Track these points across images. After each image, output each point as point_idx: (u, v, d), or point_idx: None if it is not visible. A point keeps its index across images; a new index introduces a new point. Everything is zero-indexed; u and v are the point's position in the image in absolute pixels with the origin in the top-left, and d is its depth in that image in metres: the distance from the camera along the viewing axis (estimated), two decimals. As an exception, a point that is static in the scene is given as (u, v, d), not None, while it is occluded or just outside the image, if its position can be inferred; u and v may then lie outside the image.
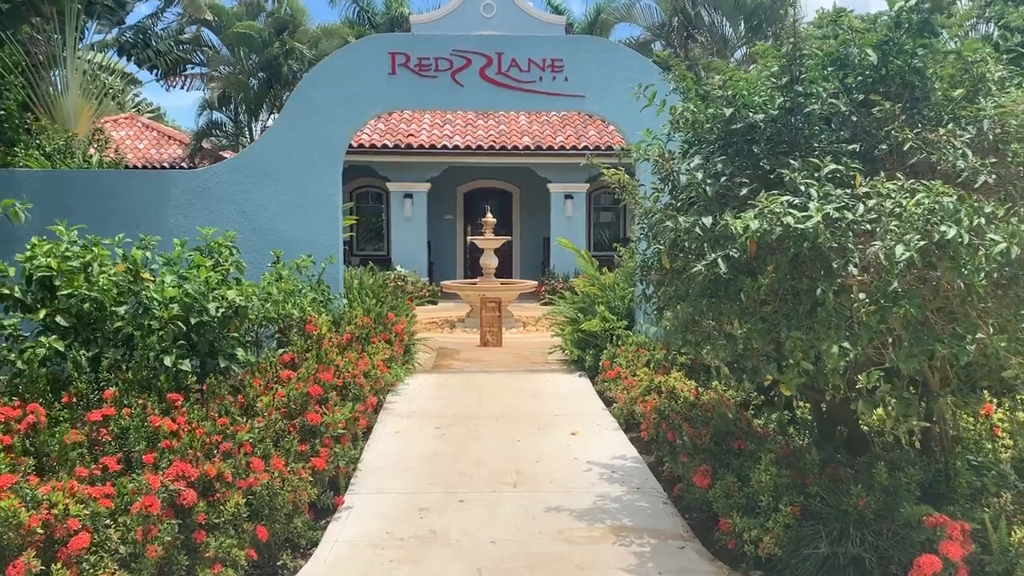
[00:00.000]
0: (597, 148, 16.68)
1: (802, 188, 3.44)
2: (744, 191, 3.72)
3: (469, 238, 13.16)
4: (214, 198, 8.52)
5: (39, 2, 17.01)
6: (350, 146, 16.74)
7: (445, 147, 16.63)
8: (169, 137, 22.94)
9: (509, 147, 16.67)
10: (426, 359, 9.44)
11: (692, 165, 3.91)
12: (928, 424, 3.97)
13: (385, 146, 16.58)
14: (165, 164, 20.19)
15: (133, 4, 20.35)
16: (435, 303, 16.25)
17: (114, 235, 6.19)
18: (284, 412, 4.85)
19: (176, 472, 3.80)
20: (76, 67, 18.14)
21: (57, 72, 17.80)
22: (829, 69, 3.96)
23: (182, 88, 21.31)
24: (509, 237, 13.57)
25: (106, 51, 19.47)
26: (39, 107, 18.01)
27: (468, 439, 6.15)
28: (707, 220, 3.69)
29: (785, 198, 3.43)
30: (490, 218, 12.96)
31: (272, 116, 21.25)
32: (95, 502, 3.50)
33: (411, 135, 17.04)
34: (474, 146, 16.63)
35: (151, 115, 33.27)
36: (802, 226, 3.26)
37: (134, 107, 32.41)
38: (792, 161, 3.62)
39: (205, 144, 20.44)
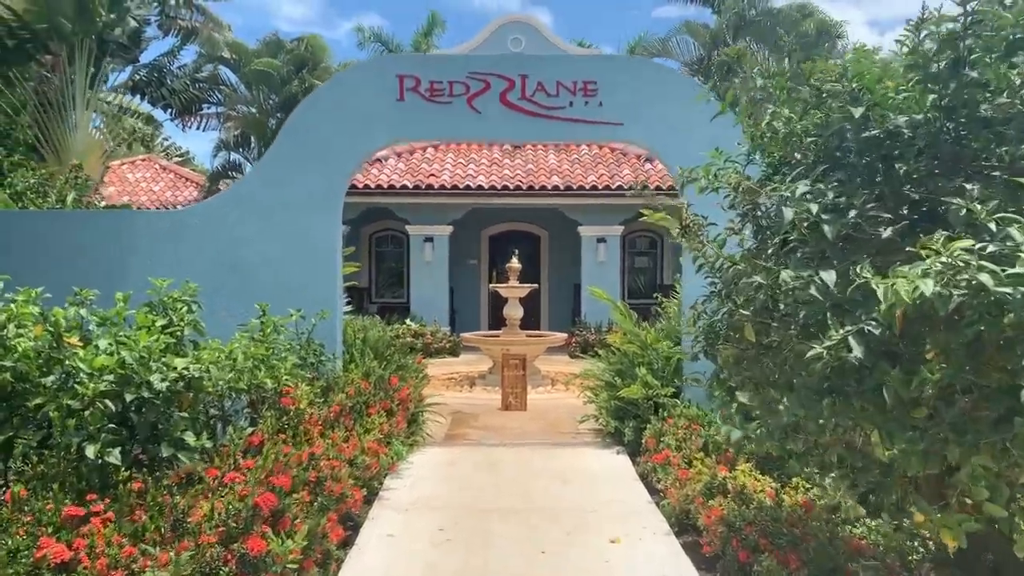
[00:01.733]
0: (632, 188, 15.45)
1: (992, 227, 2.14)
2: (887, 231, 2.43)
3: (491, 286, 11.93)
4: (191, 242, 7.40)
5: (47, 39, 16.43)
6: (367, 187, 15.76)
7: (468, 187, 15.53)
8: (186, 179, 22.22)
9: (537, 187, 15.52)
10: (437, 429, 8.14)
11: (798, 193, 2.63)
12: None
13: (405, 187, 15.53)
14: (180, 207, 19.36)
15: (148, 42, 19.81)
16: (456, 355, 15.00)
17: (68, 287, 5.07)
18: (222, 532, 3.58)
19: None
20: (89, 106, 17.52)
21: (68, 112, 17.15)
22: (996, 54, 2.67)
23: (198, 128, 20.60)
24: (535, 285, 12.31)
25: (127, 93, 18.89)
26: (47, 147, 17.37)
27: (479, 546, 4.81)
28: (829, 276, 2.40)
29: (963, 244, 2.13)
30: (514, 264, 11.74)
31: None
32: None
33: (432, 175, 15.99)
34: (499, 186, 15.51)
35: (179, 158, 32.88)
36: (1008, 289, 1.96)
37: (163, 151, 32.05)
38: (966, 185, 2.34)
39: (220, 186, 19.60)
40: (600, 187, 15.51)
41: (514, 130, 7.62)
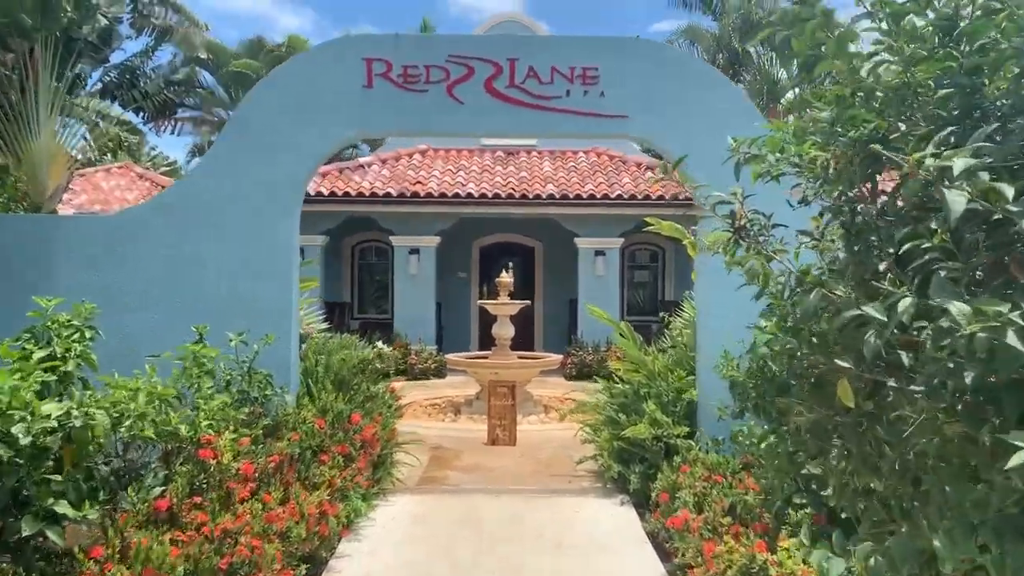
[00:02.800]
0: (633, 197, 14.40)
1: None
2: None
3: (479, 302, 10.82)
4: (128, 250, 6.27)
5: (6, 35, 15.37)
6: (348, 195, 14.67)
7: (457, 195, 14.43)
8: (163, 187, 21.09)
9: (531, 196, 14.44)
10: (411, 471, 6.99)
11: (958, 168, 1.52)
12: None
13: (389, 195, 14.42)
14: (151, 215, 18.24)
15: (121, 41, 18.75)
16: (442, 377, 13.86)
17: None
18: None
19: None
20: (54, 110, 16.43)
21: (30, 115, 16.05)
22: None
23: (172, 132, 19.56)
24: (527, 302, 11.20)
25: (96, 96, 17.79)
26: (7, 153, 16.26)
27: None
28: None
29: None
30: (505, 278, 10.63)
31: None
32: None
33: (419, 182, 14.89)
34: (490, 194, 14.42)
35: (166, 167, 31.71)
36: None
37: (150, 160, 30.92)
38: None
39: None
40: (599, 196, 14.43)
41: (501, 122, 6.53)
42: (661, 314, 12.80)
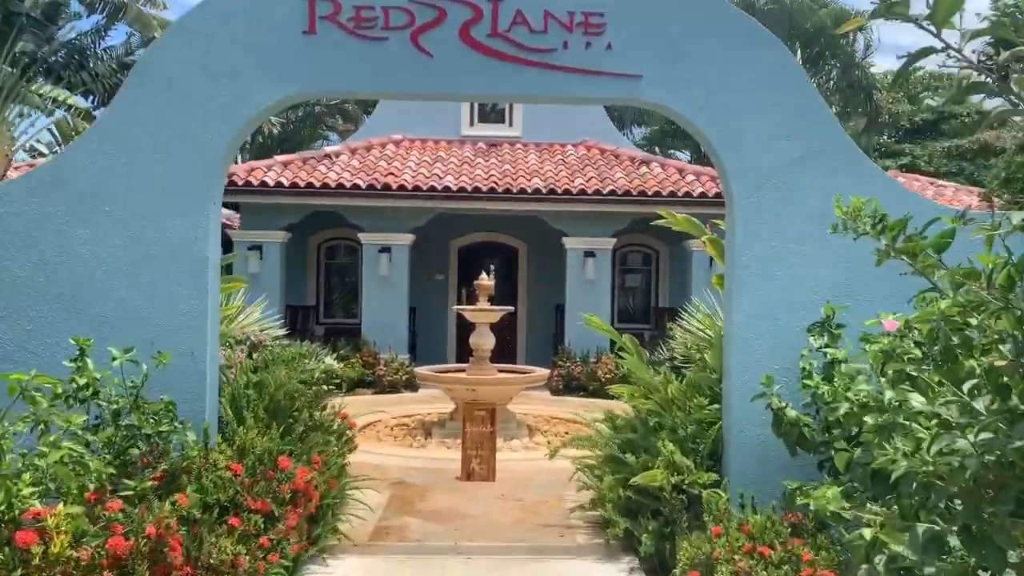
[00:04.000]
0: (627, 193, 13.07)
1: None
2: None
3: (455, 307, 9.43)
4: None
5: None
6: (311, 186, 13.23)
7: (433, 189, 13.04)
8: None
9: (515, 191, 13.06)
10: (363, 520, 5.58)
11: None
12: None
13: (357, 187, 13.00)
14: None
15: (70, 19, 17.21)
16: (415, 390, 12.45)
17: None
18: None
19: None
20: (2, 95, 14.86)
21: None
22: None
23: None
24: (510, 308, 9.83)
25: (37, 77, 16.21)
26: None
27: None
28: None
29: None
30: (485, 280, 9.25)
31: (237, 157, 17.83)
32: None
33: (391, 174, 13.48)
34: (470, 188, 13.04)
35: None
36: None
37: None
38: None
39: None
40: (589, 191, 13.08)
41: (479, 81, 5.13)
42: (670, 324, 11.49)
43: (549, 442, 8.76)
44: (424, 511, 6.00)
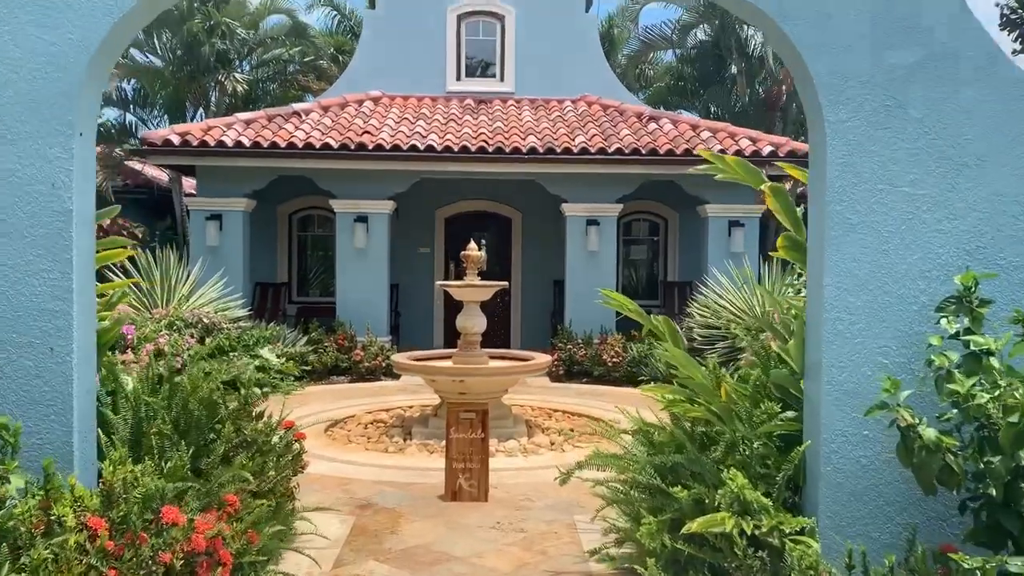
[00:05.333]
0: (636, 152, 11.54)
1: None
2: None
3: (440, 283, 7.92)
4: None
5: None
6: (275, 146, 11.64)
7: (415, 149, 11.47)
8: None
9: (508, 150, 11.51)
10: (313, 562, 4.11)
11: None
12: None
13: (328, 146, 11.42)
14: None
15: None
16: (397, 377, 10.96)
17: None
18: None
19: None
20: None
21: None
22: None
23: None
24: (503, 283, 8.32)
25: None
26: None
27: None
28: None
29: None
30: (474, 251, 7.74)
31: (199, 116, 16.17)
32: None
33: (367, 132, 11.90)
34: (457, 148, 11.48)
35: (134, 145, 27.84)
36: None
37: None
38: None
39: (98, 151, 15.29)
40: (592, 150, 11.54)
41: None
42: (687, 302, 10.11)
43: (553, 443, 7.31)
44: (394, 552, 4.54)
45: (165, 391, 4.21)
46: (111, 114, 16.93)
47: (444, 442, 6.51)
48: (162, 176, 16.97)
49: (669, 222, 14.38)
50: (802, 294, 4.87)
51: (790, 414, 3.84)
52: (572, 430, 7.92)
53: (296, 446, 4.76)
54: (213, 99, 16.54)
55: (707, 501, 3.56)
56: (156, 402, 4.04)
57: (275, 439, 4.52)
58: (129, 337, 8.60)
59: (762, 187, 4.55)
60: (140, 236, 14.42)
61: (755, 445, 3.71)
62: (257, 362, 8.41)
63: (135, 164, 16.68)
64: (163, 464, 3.66)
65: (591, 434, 7.84)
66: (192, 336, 9.18)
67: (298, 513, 4.55)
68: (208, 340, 9.37)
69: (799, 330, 3.86)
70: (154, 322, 9.17)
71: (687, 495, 3.56)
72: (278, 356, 10.01)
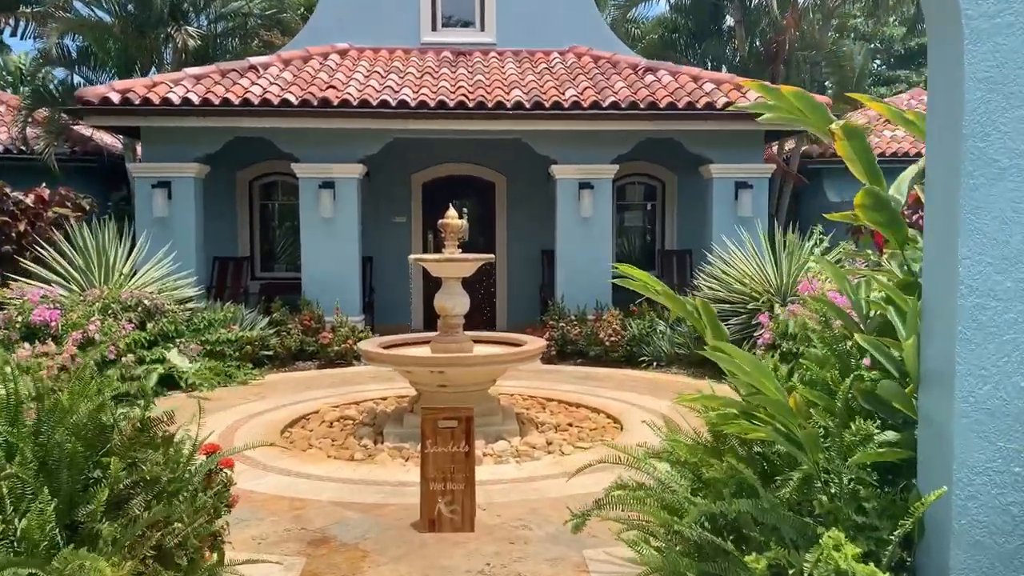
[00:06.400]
0: (634, 106, 10.36)
1: None
2: None
3: (414, 257, 6.75)
4: None
5: None
6: (227, 102, 10.33)
7: (386, 104, 10.22)
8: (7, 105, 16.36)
9: (491, 105, 10.28)
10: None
11: None
12: None
13: (287, 103, 10.15)
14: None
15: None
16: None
17: None
18: None
19: None
20: None
21: None
22: None
23: (14, 34, 14.78)
24: (489, 256, 7.16)
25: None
26: None
27: None
28: None
29: None
30: (453, 218, 6.56)
31: (153, 72, 14.74)
32: None
33: (332, 87, 10.62)
34: (433, 103, 10.23)
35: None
36: None
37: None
38: None
39: (40, 114, 13.90)
40: (585, 104, 10.34)
41: None
42: (697, 273, 9.03)
43: (550, 442, 6.23)
44: (353, 615, 3.44)
45: (42, 413, 3.06)
46: (56, 75, 15.50)
47: (420, 446, 5.46)
48: (115, 142, 15.60)
49: (667, 185, 13.24)
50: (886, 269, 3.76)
51: (890, 435, 2.77)
52: (571, 425, 6.85)
53: (223, 475, 3.63)
54: (168, 57, 15.11)
55: (780, 565, 2.49)
56: (14, 433, 2.91)
57: (190, 470, 3.39)
58: (52, 324, 7.41)
59: (831, 127, 3.41)
60: (87, 208, 13.09)
61: (845, 480, 2.62)
62: (161, 369, 7.22)
63: (84, 129, 15.28)
64: (15, 524, 2.54)
65: (592, 429, 6.79)
66: (130, 321, 8.00)
67: (225, 569, 3.44)
68: (150, 325, 8.19)
69: (911, 321, 2.75)
70: (86, 305, 7.98)
71: (763, 566, 2.47)
72: (233, 340, 8.85)
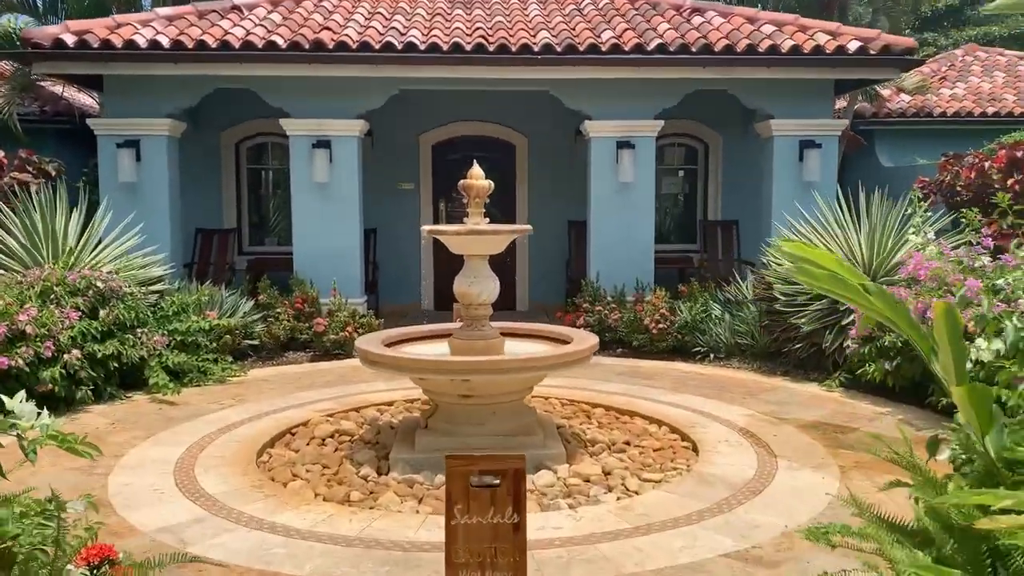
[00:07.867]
0: (683, 50, 8.74)
1: None
2: None
3: (427, 228, 5.23)
4: None
5: None
6: (203, 45, 8.66)
7: (391, 47, 8.61)
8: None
9: (513, 48, 8.67)
10: None
11: None
12: None
13: (274, 46, 8.56)
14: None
15: None
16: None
17: None
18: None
19: None
20: None
21: None
22: None
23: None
24: (527, 227, 5.62)
25: None
26: None
27: None
28: None
29: None
30: (478, 178, 5.03)
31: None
32: None
33: (327, 28, 9.01)
34: (445, 47, 8.62)
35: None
36: None
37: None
38: None
39: (2, 67, 12.31)
40: (627, 47, 8.73)
41: None
42: (764, 249, 7.49)
43: (608, 473, 4.73)
44: None
45: None
46: (20, 23, 13.85)
47: (438, 479, 4.03)
48: (90, 102, 14.00)
49: (711, 146, 11.62)
50: None
51: None
52: (628, 444, 5.36)
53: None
54: (147, 5, 13.50)
55: None
56: None
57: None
58: (-28, 315, 5.90)
59: None
60: (54, 173, 11.54)
61: None
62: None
63: (55, 86, 13.68)
64: None
65: (657, 449, 5.30)
66: (77, 308, 6.50)
67: None
68: (103, 313, 6.69)
69: None
70: (23, 289, 6.48)
71: None
72: (208, 329, 7.36)
